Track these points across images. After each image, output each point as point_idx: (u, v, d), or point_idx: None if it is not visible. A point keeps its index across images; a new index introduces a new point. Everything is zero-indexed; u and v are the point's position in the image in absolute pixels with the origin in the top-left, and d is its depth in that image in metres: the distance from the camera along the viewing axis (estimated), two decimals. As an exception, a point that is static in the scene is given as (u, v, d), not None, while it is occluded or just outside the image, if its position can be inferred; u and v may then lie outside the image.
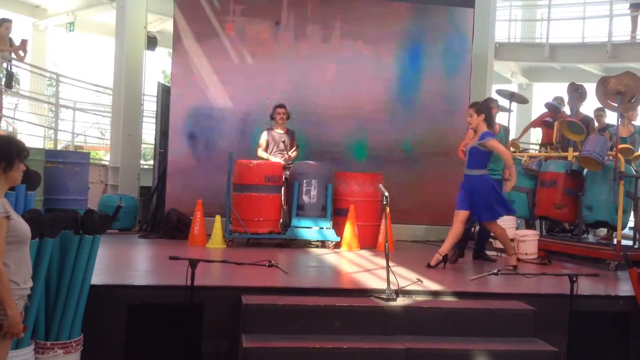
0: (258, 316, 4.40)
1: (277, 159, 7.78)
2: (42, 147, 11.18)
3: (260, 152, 7.84)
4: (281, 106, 7.92)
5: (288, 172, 7.78)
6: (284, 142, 7.83)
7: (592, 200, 6.99)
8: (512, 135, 8.50)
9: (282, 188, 7.67)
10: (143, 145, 11.89)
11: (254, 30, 8.77)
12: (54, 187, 6.67)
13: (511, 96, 8.25)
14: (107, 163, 10.67)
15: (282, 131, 7.93)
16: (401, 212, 7.73)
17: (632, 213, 7.39)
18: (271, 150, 7.87)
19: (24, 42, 8.69)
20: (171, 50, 9.22)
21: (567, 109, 8.38)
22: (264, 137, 7.88)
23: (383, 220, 7.21)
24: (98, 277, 4.60)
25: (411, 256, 6.79)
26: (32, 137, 11.95)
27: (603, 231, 8.88)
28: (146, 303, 4.59)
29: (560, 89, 15.65)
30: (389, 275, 4.71)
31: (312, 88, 8.76)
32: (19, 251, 3.07)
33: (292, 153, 7.86)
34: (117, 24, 10.02)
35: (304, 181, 7.49)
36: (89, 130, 14.40)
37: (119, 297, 4.55)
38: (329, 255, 6.93)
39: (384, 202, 5.12)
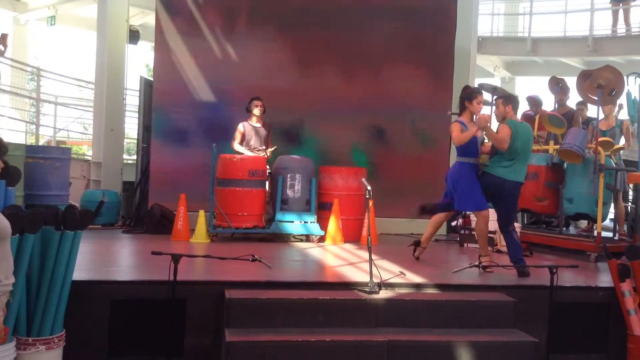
0: (241, 310, 4.41)
1: (252, 153, 7.73)
2: (23, 142, 11.06)
3: (236, 146, 7.73)
4: (257, 98, 7.86)
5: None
6: (264, 134, 7.83)
7: (573, 192, 7.08)
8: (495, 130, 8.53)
9: (266, 182, 7.67)
10: (126, 140, 11.82)
11: (237, 23, 8.74)
12: (35, 182, 6.63)
13: (493, 90, 8.30)
14: (90, 158, 10.59)
15: (258, 124, 7.91)
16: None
17: (612, 205, 7.50)
18: (247, 144, 7.82)
19: (4, 36, 8.60)
20: (154, 44, 9.17)
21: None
22: (238, 130, 7.81)
23: (367, 214, 7.25)
24: (81, 273, 4.59)
25: (394, 249, 6.82)
26: (14, 133, 11.82)
27: (584, 223, 8.98)
28: (129, 298, 4.57)
29: (542, 83, 15.82)
30: (372, 268, 4.74)
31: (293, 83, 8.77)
32: (0, 247, 3.05)
33: (269, 152, 7.80)
34: (99, 18, 9.93)
35: (288, 175, 7.50)
36: (71, 125, 14.28)
37: (101, 293, 4.54)
38: (313, 249, 6.95)
39: (367, 196, 5.14)
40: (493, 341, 4.44)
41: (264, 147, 7.84)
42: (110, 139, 9.57)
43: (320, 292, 4.70)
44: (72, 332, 4.20)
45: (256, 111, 7.81)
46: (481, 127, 5.66)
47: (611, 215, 7.97)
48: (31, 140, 11.55)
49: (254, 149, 7.80)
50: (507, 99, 5.87)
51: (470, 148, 5.80)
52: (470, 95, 5.87)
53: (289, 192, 7.48)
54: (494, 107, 8.07)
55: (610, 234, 7.30)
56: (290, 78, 8.78)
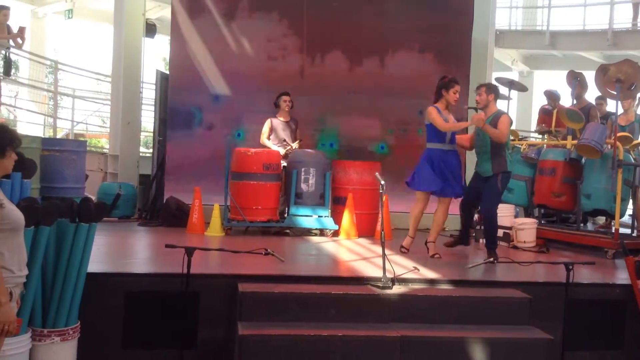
0: (254, 304, 4.42)
1: (280, 147, 7.78)
2: (41, 135, 11.18)
3: (264, 140, 7.83)
4: (286, 94, 7.92)
5: (286, 161, 7.79)
6: (293, 129, 7.90)
7: (591, 188, 6.98)
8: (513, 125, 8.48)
9: (281, 176, 7.67)
10: (143, 133, 11.89)
11: (252, 15, 8.73)
12: (51, 175, 6.68)
13: (510, 84, 8.22)
14: (107, 151, 10.67)
15: (286, 119, 7.93)
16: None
17: (630, 201, 7.38)
18: (276, 138, 7.87)
19: (21, 30, 8.64)
20: (170, 37, 9.20)
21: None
22: (267, 125, 7.87)
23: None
24: (96, 265, 4.63)
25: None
26: (32, 125, 11.95)
27: (602, 219, 8.88)
28: (143, 291, 4.60)
29: (560, 77, 15.63)
30: (385, 263, 4.72)
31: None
32: (13, 239, 3.08)
33: (295, 145, 7.85)
34: (116, 11, 9.97)
35: (302, 169, 7.49)
36: (90, 118, 14.39)
37: (116, 285, 4.57)
38: (326, 244, 6.94)
39: (381, 191, 5.12)
40: (507, 338, 4.41)
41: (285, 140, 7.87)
42: (127, 132, 9.63)
43: (333, 286, 4.69)
44: (87, 323, 4.24)
45: (284, 106, 7.84)
46: (478, 125, 5.84)
47: (629, 211, 7.86)
48: (49, 133, 11.67)
49: (283, 141, 7.83)
50: (490, 88, 6.10)
51: (433, 133, 6.04)
52: (447, 84, 6.08)
53: (303, 186, 7.47)
54: (509, 101, 8.05)
55: (628, 231, 7.20)
56: (305, 66, 8.76)
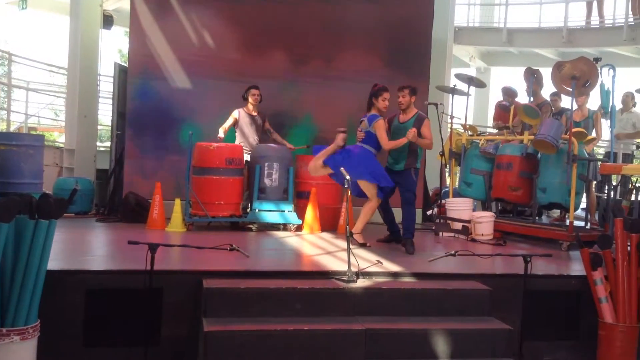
0: (219, 300, 4.40)
1: (245, 140, 7.75)
2: (-7, 128, 10.84)
3: (221, 128, 7.68)
4: (255, 87, 7.87)
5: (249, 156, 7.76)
6: (260, 123, 7.90)
7: (546, 182, 7.19)
8: (470, 120, 8.62)
9: (244, 171, 7.64)
10: (99, 127, 11.64)
11: (212, 6, 8.62)
12: (8, 170, 6.48)
13: (469, 80, 8.38)
14: (61, 145, 10.41)
15: (254, 113, 7.89)
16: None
17: (584, 195, 7.64)
18: (240, 131, 7.83)
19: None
20: (128, 30, 9.01)
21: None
22: (232, 116, 7.82)
23: (344, 203, 7.29)
24: (55, 262, 4.52)
25: (372, 238, 6.86)
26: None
27: (556, 212, 9.15)
28: (104, 288, 4.53)
29: (516, 73, 16.01)
30: (350, 257, 4.77)
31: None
32: (-28, 237, 2.99)
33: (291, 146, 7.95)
34: (72, 2, 9.73)
35: (266, 164, 7.47)
36: (42, 111, 14.01)
37: (76, 282, 4.48)
38: (290, 238, 6.95)
39: (345, 186, 5.16)
40: (468, 329, 4.51)
41: (257, 138, 7.87)
42: (83, 125, 9.43)
43: (299, 281, 4.71)
44: (47, 322, 4.14)
45: (252, 100, 7.79)
46: (412, 141, 6.16)
47: (583, 204, 8.12)
48: (2, 127, 11.32)
49: (249, 134, 7.80)
50: (413, 90, 6.41)
51: (378, 145, 6.31)
52: (377, 92, 6.33)
53: (267, 180, 7.46)
54: (469, 97, 8.20)
55: (582, 223, 7.44)
56: (272, 61, 8.70)
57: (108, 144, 10.15)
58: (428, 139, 6.31)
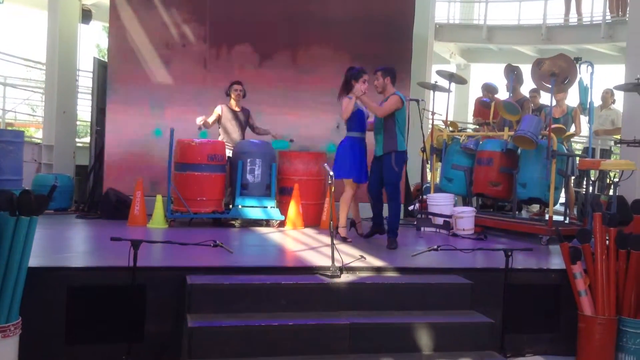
0: (203, 296, 4.39)
1: (227, 136, 7.74)
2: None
3: (199, 119, 7.53)
4: (238, 83, 7.85)
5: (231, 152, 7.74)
6: (243, 119, 7.88)
7: (526, 177, 7.27)
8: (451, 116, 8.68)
9: (226, 167, 7.61)
10: (78, 123, 11.51)
11: (193, 2, 8.56)
12: (-14, 166, 6.37)
13: (450, 77, 8.45)
14: (39, 141, 10.28)
15: (237, 109, 7.86)
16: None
17: (563, 190, 7.75)
18: (223, 126, 7.81)
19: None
20: (107, 24, 8.92)
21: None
22: (216, 112, 7.78)
23: (327, 199, 7.31)
24: (36, 259, 4.47)
25: (355, 233, 6.89)
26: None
27: (536, 207, 9.26)
28: (86, 285, 4.49)
29: (496, 70, 16.17)
30: (334, 253, 4.78)
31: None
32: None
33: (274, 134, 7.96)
34: (50, -4, 9.61)
35: (248, 160, 7.45)
36: (19, 106, 13.80)
37: (58, 279, 4.43)
38: (273, 234, 6.95)
39: (329, 182, 5.17)
40: (450, 322, 4.55)
41: (240, 134, 7.84)
42: (62, 121, 9.33)
43: (283, 276, 4.72)
44: (29, 319, 4.10)
45: (235, 95, 7.77)
46: (357, 96, 6.18)
47: (562, 199, 8.24)
48: (-21, 123, 11.14)
49: (230, 133, 7.80)
50: (386, 71, 6.36)
51: (355, 123, 6.44)
52: (356, 75, 6.34)
53: (249, 176, 7.44)
54: (449, 93, 8.25)
55: (561, 218, 7.54)
56: (253, 62, 8.68)
57: (87, 139, 10.04)
58: (383, 106, 6.21)
